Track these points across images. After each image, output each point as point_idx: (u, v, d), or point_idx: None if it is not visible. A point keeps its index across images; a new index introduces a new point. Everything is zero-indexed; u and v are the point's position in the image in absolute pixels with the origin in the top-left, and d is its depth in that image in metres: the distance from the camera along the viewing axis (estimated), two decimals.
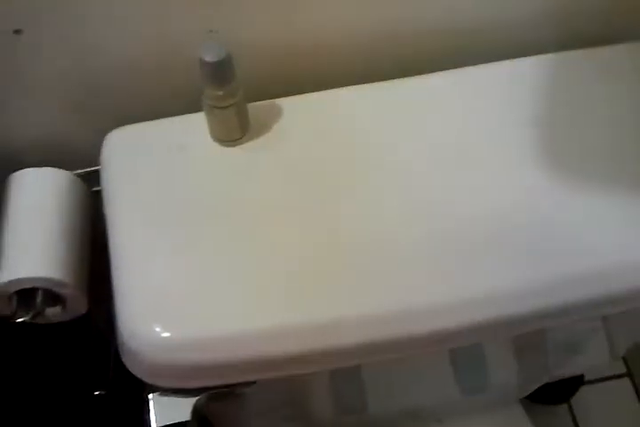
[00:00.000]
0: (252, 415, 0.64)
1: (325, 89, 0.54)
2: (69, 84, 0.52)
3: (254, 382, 0.47)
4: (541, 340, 0.62)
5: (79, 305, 0.54)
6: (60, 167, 0.55)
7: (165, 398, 0.47)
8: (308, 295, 0.45)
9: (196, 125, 0.51)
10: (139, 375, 0.46)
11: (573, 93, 0.53)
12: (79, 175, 0.57)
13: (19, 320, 0.52)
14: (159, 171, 0.50)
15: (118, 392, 0.67)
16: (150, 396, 0.48)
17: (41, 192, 0.54)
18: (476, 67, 0.54)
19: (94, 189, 0.57)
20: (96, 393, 0.66)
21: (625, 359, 1.12)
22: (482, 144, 0.50)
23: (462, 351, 0.63)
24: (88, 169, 0.57)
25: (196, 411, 0.47)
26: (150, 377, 0.46)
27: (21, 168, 0.54)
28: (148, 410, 0.47)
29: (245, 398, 0.55)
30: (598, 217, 0.47)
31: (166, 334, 0.43)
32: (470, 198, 0.48)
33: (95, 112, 0.55)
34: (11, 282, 0.50)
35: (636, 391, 1.10)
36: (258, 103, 0.52)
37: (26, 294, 0.52)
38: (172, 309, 0.44)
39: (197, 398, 0.47)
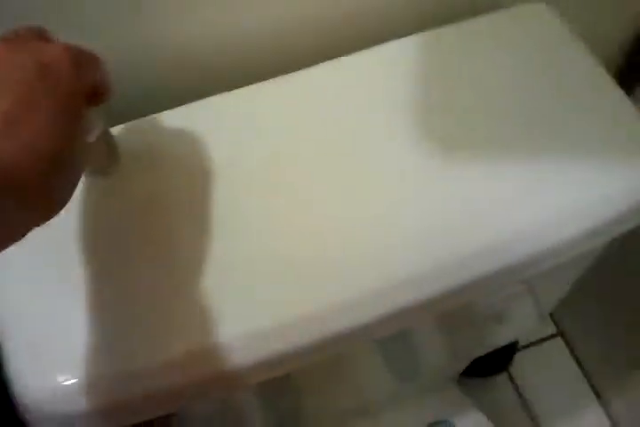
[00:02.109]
0: None
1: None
2: None
3: (173, 415, 0.45)
4: (466, 315, 0.62)
5: None
6: None
7: None
8: (193, 321, 0.43)
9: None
10: None
11: (447, 69, 0.52)
12: None
13: None
14: None
15: None
16: None
17: None
18: (352, 55, 0.53)
19: None
20: None
21: (554, 319, 1.14)
22: (367, 132, 0.49)
23: (390, 341, 0.62)
24: None
25: None
26: None
27: None
28: None
29: None
30: (489, 189, 0.47)
31: (62, 383, 0.40)
32: (363, 187, 0.47)
33: None
34: None
35: (570, 349, 1.13)
36: (137, 121, 0.50)
37: None
38: (59, 357, 0.41)
39: None
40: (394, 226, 0.46)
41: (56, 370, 0.41)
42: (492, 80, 0.51)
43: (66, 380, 0.41)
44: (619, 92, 0.51)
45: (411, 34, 0.54)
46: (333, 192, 0.47)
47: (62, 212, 0.32)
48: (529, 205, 0.47)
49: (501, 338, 0.77)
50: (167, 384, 0.42)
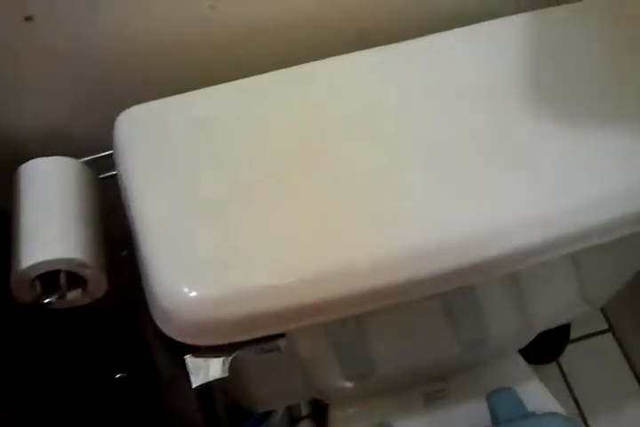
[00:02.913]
0: (269, 380, 0.66)
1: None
2: (76, 71, 0.54)
3: (283, 335, 0.50)
4: (526, 288, 0.66)
5: (99, 287, 0.56)
6: (65, 155, 0.57)
7: (200, 359, 0.50)
8: (328, 243, 0.48)
9: (206, 99, 0.54)
10: (173, 336, 0.48)
11: (556, 47, 0.57)
12: (85, 163, 0.59)
13: (44, 302, 0.54)
14: (176, 145, 0.52)
15: (139, 373, 0.69)
16: (186, 357, 0.50)
17: (52, 180, 0.56)
18: (460, 29, 0.58)
19: (100, 175, 0.59)
20: (117, 376, 0.68)
21: (606, 315, 1.17)
22: (475, 98, 0.54)
23: (459, 307, 0.66)
24: (94, 156, 0.59)
25: (232, 368, 0.49)
26: (185, 337, 0.48)
27: (27, 158, 0.56)
28: (187, 371, 0.49)
29: (266, 361, 0.57)
30: (584, 152, 0.51)
31: (197, 293, 0.46)
32: (469, 143, 0.52)
33: (100, 99, 0.57)
34: (33, 266, 0.52)
35: (620, 345, 1.15)
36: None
37: (47, 279, 0.54)
38: (198, 268, 0.47)
39: (231, 355, 0.49)
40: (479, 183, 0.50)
41: (194, 282, 0.46)
42: (586, 60, 0.56)
43: (199, 291, 0.46)
44: None
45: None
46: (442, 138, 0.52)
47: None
48: (613, 174, 0.51)
49: (557, 316, 0.80)
50: (281, 304, 0.47)
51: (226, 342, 0.49)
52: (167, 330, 0.48)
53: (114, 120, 0.54)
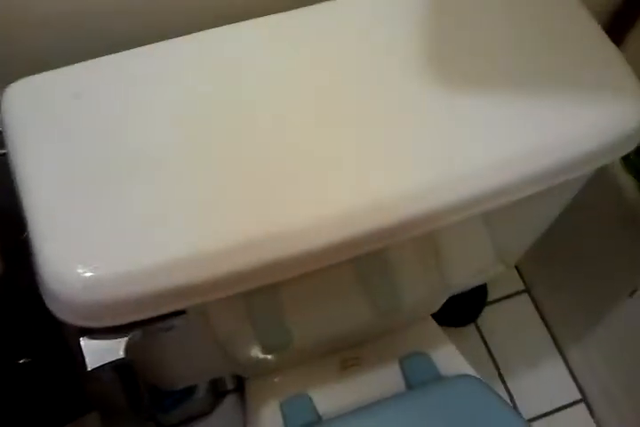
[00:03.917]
0: (178, 357, 0.66)
1: None
2: None
3: (184, 312, 0.49)
4: (438, 248, 0.66)
5: None
6: None
7: (96, 342, 0.49)
8: (221, 219, 0.47)
9: (88, 72, 0.53)
10: (64, 319, 0.47)
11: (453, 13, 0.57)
12: None
13: None
14: (59, 120, 0.50)
15: (44, 359, 0.68)
16: (81, 340, 0.48)
17: None
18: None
19: None
20: (21, 362, 0.66)
21: (522, 276, 1.21)
22: (364, 62, 0.54)
23: (371, 271, 0.67)
24: None
25: (128, 349, 0.48)
26: (76, 319, 0.47)
27: None
28: (82, 354, 0.48)
29: (171, 338, 0.57)
30: (475, 116, 0.52)
31: (88, 274, 0.45)
32: (362, 109, 0.52)
33: None
34: None
35: (535, 305, 1.19)
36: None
37: None
38: (90, 248, 0.46)
39: (129, 337, 0.49)
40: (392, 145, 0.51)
41: (83, 262, 0.45)
42: (492, 24, 0.56)
43: (90, 272, 0.45)
44: (607, 41, 0.57)
45: None
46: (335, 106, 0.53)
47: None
48: (521, 132, 0.52)
49: (469, 277, 0.81)
50: (175, 282, 0.46)
51: (119, 323, 0.48)
52: (58, 313, 0.47)
53: None
